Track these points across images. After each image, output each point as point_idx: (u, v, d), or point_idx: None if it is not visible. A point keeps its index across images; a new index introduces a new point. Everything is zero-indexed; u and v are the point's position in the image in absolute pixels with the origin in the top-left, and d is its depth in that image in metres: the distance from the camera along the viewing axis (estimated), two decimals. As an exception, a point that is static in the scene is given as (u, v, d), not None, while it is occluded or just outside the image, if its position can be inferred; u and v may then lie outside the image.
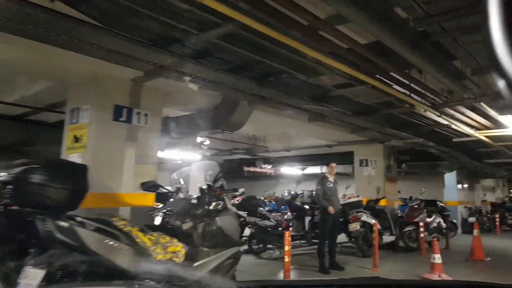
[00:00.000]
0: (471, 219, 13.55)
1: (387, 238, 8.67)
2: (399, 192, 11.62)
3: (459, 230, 13.17)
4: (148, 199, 4.99)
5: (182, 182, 4.21)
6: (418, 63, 3.55)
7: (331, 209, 6.54)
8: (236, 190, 9.03)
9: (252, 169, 14.58)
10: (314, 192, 8.16)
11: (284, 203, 9.78)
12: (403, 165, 11.91)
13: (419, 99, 4.75)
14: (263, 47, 3.56)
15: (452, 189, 14.20)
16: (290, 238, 4.95)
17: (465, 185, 15.09)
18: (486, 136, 6.47)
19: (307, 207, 8.75)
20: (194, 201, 3.73)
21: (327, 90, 4.47)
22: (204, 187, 3.95)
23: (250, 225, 8.03)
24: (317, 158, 13.35)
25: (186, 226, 3.52)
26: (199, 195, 3.85)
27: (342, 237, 8.94)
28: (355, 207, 8.57)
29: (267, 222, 7.99)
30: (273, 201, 11.46)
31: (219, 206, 3.74)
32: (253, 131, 10.88)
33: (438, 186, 14.07)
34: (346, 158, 11.60)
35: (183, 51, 3.55)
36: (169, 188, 4.17)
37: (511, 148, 7.74)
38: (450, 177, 14.17)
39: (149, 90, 5.06)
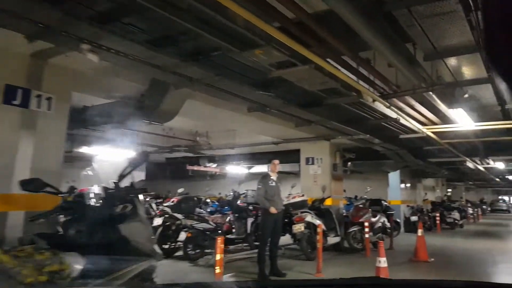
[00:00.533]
0: (413, 218, 13.76)
1: (332, 239, 8.32)
2: (344, 191, 11.44)
3: (402, 229, 13.31)
4: (49, 201, 4.10)
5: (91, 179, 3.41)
6: (369, 38, 3.06)
7: (272, 210, 5.98)
8: (145, 190, 8.23)
9: (196, 168, 13.78)
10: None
11: (226, 204, 9.13)
12: (349, 163, 11.72)
13: (367, 86, 4.31)
14: (187, 10, 2.87)
15: (395, 188, 14.34)
16: (222, 245, 4.30)
17: (408, 185, 15.36)
18: (433, 132, 6.27)
19: (250, 207, 8.16)
20: (94, 203, 2.96)
21: (265, 73, 3.89)
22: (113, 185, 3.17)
23: (186, 229, 7.28)
24: (264, 156, 12.84)
25: (80, 235, 2.76)
26: (104, 195, 3.08)
27: (287, 239, 8.51)
28: (299, 207, 8.12)
29: (205, 225, 7.28)
30: (216, 201, 10.75)
31: (126, 210, 3.00)
32: (194, 126, 10.13)
33: (382, 185, 14.13)
34: (292, 156, 11.20)
35: (78, 12, 2.77)
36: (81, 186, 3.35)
37: (455, 146, 7.69)
38: (394, 177, 14.30)
39: (54, 69, 4.18)
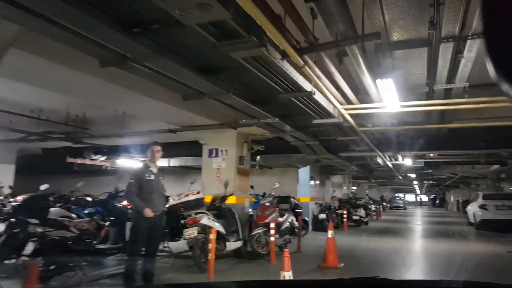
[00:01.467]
0: (322, 216, 13.26)
1: (233, 245, 7.04)
2: (252, 187, 10.27)
3: (310, 227, 12.71)
4: None
5: None
6: None
7: (148, 212, 4.48)
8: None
9: (79, 161, 11.51)
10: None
11: (98, 204, 7.27)
12: (258, 157, 10.62)
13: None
14: None
15: (305, 184, 13.71)
16: (35, 274, 2.67)
17: (317, 181, 14.89)
18: (351, 115, 5.31)
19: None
20: None
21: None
22: None
23: (35, 238, 5.36)
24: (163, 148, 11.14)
25: None
26: None
27: (181, 245, 7.06)
28: (194, 207, 6.70)
29: (63, 233, 5.45)
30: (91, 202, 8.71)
31: None
32: (66, 106, 8.05)
33: (292, 182, 13.39)
34: (195, 148, 9.72)
35: None
36: None
37: (371, 138, 6.94)
38: (303, 173, 13.67)
39: None
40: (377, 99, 4.57)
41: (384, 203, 33.18)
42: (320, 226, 13.07)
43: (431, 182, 28.10)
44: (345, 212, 14.20)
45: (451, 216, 27.43)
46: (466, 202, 28.94)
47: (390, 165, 12.68)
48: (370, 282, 1.46)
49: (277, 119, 5.44)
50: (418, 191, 52.32)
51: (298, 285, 1.55)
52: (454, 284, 1.41)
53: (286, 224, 8.41)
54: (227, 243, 6.85)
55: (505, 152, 10.17)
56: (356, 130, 5.90)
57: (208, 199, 7.58)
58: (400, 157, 10.63)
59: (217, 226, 6.61)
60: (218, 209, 7.45)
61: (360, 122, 5.83)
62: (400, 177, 19.41)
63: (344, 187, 20.47)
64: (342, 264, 6.77)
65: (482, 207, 14.44)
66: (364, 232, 13.54)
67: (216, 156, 8.79)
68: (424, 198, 56.89)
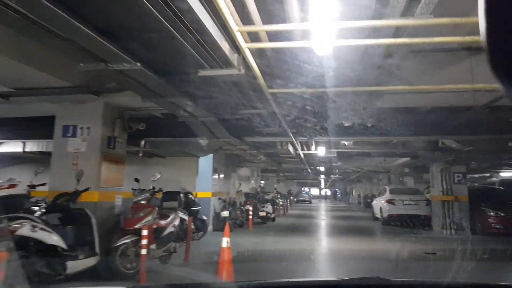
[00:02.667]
0: (224, 214, 11.39)
1: (79, 264, 4.70)
2: (137, 181, 7.87)
3: (210, 227, 10.79)
4: None
5: None
6: None
7: None
8: None
9: None
10: None
11: None
12: (143, 142, 8.29)
13: None
14: None
15: (206, 177, 11.70)
16: None
17: (221, 174, 12.99)
18: (258, 50, 3.33)
19: None
20: None
21: None
22: None
23: None
24: (7, 125, 8.15)
25: None
26: None
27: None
28: (10, 209, 4.21)
29: None
30: None
31: None
32: None
33: (191, 174, 11.29)
34: (47, 125, 7.01)
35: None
36: None
37: (284, 109, 5.09)
38: (205, 164, 11.65)
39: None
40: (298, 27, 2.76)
41: (291, 197, 32.91)
42: (222, 225, 11.23)
43: (337, 176, 28.29)
44: (251, 208, 12.54)
45: (354, 210, 27.89)
46: (368, 197, 30.06)
47: (302, 155, 11.32)
48: (370, 282, 1.53)
49: (138, 64, 3.30)
50: (322, 185, 54.44)
51: (298, 285, 1.61)
52: (453, 284, 1.55)
53: (171, 229, 6.29)
54: (70, 263, 4.49)
55: (423, 141, 9.37)
56: (265, 92, 4.02)
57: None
58: (313, 145, 9.27)
59: (50, 238, 4.25)
60: (64, 210, 5.05)
61: (270, 79, 3.97)
62: (309, 170, 18.52)
63: (252, 181, 18.98)
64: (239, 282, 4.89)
65: (389, 201, 13.98)
66: (271, 230, 12.05)
67: (74, 135, 6.28)
68: (328, 192, 59.22)
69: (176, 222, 6.53)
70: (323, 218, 18.59)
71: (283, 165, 16.02)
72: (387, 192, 14.75)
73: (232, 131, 7.18)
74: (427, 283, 1.75)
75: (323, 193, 61.27)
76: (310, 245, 9.18)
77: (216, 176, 12.41)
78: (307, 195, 40.53)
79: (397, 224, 13.62)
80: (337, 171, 23.96)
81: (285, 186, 38.10)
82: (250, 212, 12.34)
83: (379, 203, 15.12)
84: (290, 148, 9.96)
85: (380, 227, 13.85)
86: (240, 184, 15.16)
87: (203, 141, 8.15)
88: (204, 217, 9.55)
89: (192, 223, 7.41)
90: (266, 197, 15.59)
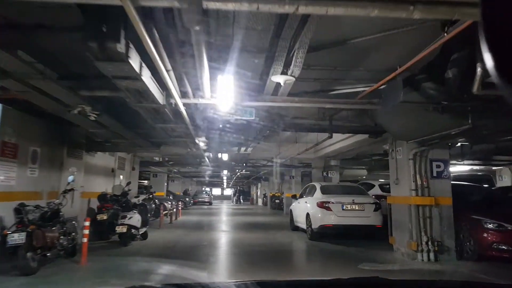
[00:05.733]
0: (14, 239, 5.37)
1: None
2: None
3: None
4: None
5: None
6: None
7: None
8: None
9: None
10: None
11: None
12: None
13: None
14: None
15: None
16: None
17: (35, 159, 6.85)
18: None
19: None
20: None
21: None
22: None
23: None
24: None
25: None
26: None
27: None
28: None
29: None
30: None
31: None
32: None
33: None
34: None
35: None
36: None
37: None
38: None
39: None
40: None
41: (187, 199, 27.26)
42: (13, 258, 5.34)
43: (244, 171, 23.43)
44: (87, 223, 6.58)
45: (261, 213, 23.36)
46: (276, 197, 25.81)
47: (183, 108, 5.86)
48: (370, 282, 1.47)
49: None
50: (225, 185, 49.67)
51: (298, 285, 1.58)
52: (452, 284, 1.56)
53: None
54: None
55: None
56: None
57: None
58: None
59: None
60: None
61: None
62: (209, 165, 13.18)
63: (121, 176, 12.84)
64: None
65: (322, 205, 9.31)
66: (126, 265, 6.36)
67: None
68: (231, 192, 54.89)
69: None
70: (224, 229, 13.30)
71: (162, 147, 10.24)
72: (318, 192, 10.12)
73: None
74: (426, 283, 1.75)
75: (227, 193, 56.70)
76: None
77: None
78: (207, 196, 35.13)
79: (333, 240, 9.06)
80: (245, 163, 19.03)
81: (181, 185, 32.17)
82: (86, 230, 6.40)
83: (305, 207, 10.43)
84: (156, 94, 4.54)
85: (309, 246, 9.06)
86: (74, 173, 8.79)
87: None
88: None
89: None
90: (134, 200, 9.74)
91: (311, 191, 10.77)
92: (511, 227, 6.59)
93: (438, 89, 4.82)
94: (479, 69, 3.74)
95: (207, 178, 35.35)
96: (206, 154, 12.00)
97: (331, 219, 9.10)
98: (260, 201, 35.10)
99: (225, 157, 13.69)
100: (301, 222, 10.75)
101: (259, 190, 37.17)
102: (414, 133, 6.55)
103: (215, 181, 42.59)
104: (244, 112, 5.91)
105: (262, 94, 5.39)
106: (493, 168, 13.54)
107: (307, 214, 9.98)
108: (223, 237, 10.98)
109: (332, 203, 9.23)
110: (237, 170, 22.31)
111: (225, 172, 25.05)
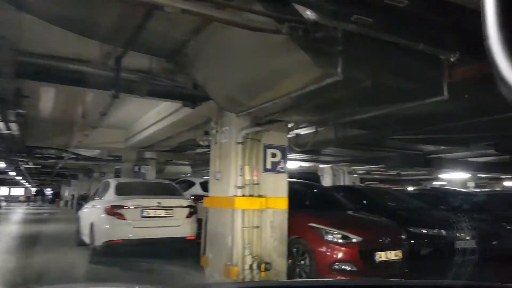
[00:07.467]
0: None
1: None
2: None
3: None
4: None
5: None
6: None
7: None
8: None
9: None
10: None
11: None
12: None
13: None
14: None
15: None
16: None
17: None
18: None
19: None
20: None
21: None
22: None
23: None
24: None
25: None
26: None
27: None
28: None
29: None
30: None
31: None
32: None
33: None
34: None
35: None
36: None
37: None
38: None
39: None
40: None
41: None
42: None
43: (31, 164, 17.99)
44: None
45: (61, 219, 18.62)
46: (83, 198, 20.95)
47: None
48: (370, 283, 1.56)
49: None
50: (29, 184, 40.74)
51: (298, 286, 1.58)
52: (453, 285, 1.60)
53: None
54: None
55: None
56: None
57: None
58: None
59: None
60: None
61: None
62: None
63: None
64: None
65: (112, 212, 6.24)
66: None
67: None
68: (35, 191, 45.60)
69: None
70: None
71: None
72: (111, 192, 6.98)
73: None
74: (426, 283, 1.78)
75: (31, 193, 46.82)
76: None
77: None
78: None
79: (130, 261, 6.11)
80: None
81: None
82: None
83: (90, 214, 7.16)
84: None
85: (83, 275, 5.81)
86: None
87: None
88: None
89: None
90: None
91: (104, 190, 7.54)
92: (357, 239, 4.91)
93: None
94: None
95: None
96: None
97: (123, 231, 6.12)
98: (69, 204, 29.26)
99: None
100: (86, 234, 7.40)
101: (67, 189, 31.20)
102: (246, 95, 4.12)
103: (16, 180, 33.88)
104: None
105: None
106: (320, 166, 12.93)
107: (91, 224, 6.73)
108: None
109: (127, 208, 6.26)
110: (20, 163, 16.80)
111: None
